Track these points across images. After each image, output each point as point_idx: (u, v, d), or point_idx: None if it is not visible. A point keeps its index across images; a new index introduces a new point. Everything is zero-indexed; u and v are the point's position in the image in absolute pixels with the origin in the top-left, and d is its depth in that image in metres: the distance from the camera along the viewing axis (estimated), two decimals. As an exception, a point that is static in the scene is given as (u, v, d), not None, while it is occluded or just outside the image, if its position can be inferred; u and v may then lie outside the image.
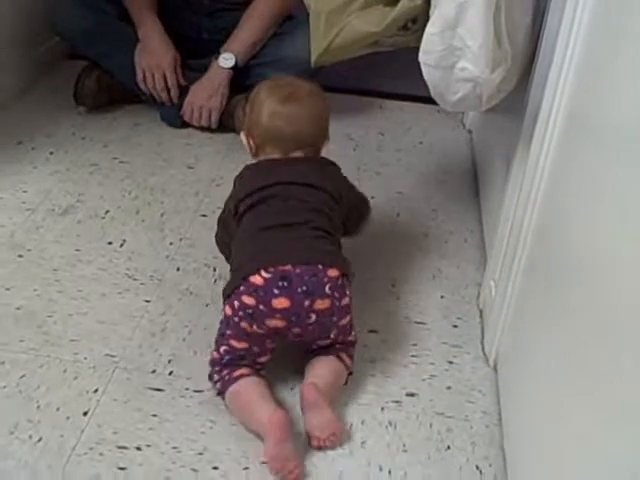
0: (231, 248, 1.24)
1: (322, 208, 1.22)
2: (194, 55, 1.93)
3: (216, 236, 1.34)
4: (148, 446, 1.09)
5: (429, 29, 1.11)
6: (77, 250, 1.45)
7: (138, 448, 1.08)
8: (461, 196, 1.75)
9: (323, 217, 1.21)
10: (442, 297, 1.43)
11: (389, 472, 1.09)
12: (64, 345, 1.24)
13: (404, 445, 1.13)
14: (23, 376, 1.17)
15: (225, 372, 1.15)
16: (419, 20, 1.29)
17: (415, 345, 1.31)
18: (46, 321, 1.28)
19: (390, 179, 1.80)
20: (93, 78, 1.90)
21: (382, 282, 1.45)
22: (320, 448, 1.11)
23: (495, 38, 1.09)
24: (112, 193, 1.64)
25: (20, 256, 1.43)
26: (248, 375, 1.13)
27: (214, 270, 1.44)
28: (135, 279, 1.39)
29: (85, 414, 1.12)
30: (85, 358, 1.22)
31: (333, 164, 1.31)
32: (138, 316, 1.31)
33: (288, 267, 1.11)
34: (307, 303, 1.11)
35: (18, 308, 1.30)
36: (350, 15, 1.32)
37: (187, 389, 1.18)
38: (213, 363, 1.17)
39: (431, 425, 1.17)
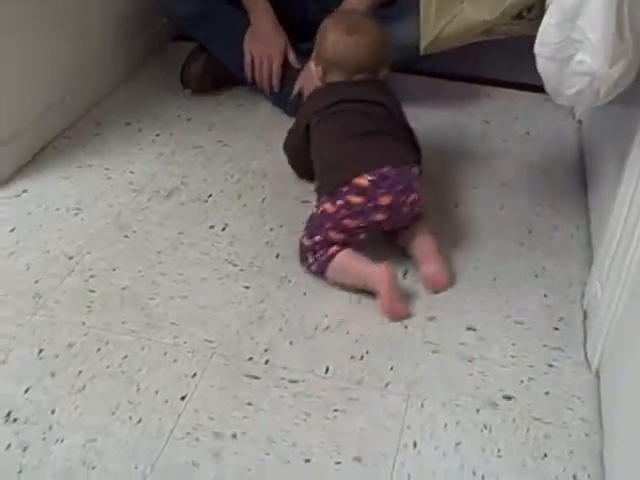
0: (301, 156, 1.51)
1: (386, 118, 1.44)
2: (301, 38, 1.92)
3: (285, 144, 1.60)
4: (243, 434, 1.10)
5: (546, 20, 1.07)
6: (180, 233, 1.48)
7: (233, 436, 1.10)
8: (568, 190, 1.69)
9: (390, 124, 1.44)
10: (545, 296, 1.38)
11: (482, 477, 1.07)
12: (165, 328, 1.27)
13: (499, 450, 1.10)
14: (125, 357, 1.21)
15: (320, 253, 1.35)
16: (535, 8, 1.25)
17: (514, 345, 1.28)
18: (148, 303, 1.31)
19: (494, 169, 1.74)
20: (200, 62, 1.92)
21: (484, 276, 1.42)
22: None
23: (617, 31, 1.03)
24: (215, 176, 1.66)
25: (126, 237, 1.46)
26: (341, 250, 1.35)
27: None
28: (235, 264, 1.41)
29: (183, 398, 1.15)
30: (185, 342, 1.24)
31: (387, 87, 1.52)
32: (237, 302, 1.33)
33: (386, 169, 1.33)
34: (403, 198, 1.34)
35: (123, 288, 1.34)
36: (462, 2, 1.29)
37: (282, 379, 1.19)
38: (305, 249, 1.37)
39: (528, 430, 1.13)
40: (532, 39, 1.15)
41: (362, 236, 1.38)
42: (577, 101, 1.13)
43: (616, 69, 1.05)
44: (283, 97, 1.88)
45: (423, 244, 1.39)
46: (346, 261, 1.34)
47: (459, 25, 1.27)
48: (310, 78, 1.68)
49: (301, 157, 1.53)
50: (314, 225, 1.38)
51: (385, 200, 1.32)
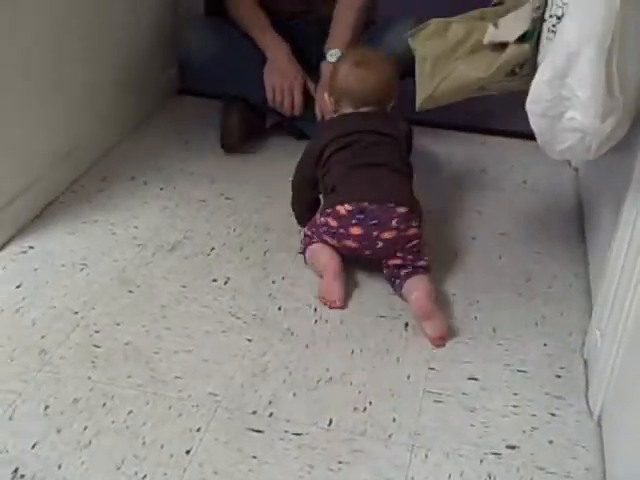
0: (305, 191, 1.64)
1: (393, 150, 1.55)
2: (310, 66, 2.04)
3: (294, 177, 1.66)
4: (248, 488, 1.11)
5: (538, 77, 1.10)
6: (183, 287, 1.50)
7: (238, 490, 1.10)
8: (566, 238, 1.71)
9: (396, 157, 1.55)
10: (545, 345, 1.40)
11: (488, 528, 1.07)
12: (169, 382, 1.28)
13: (504, 500, 1.11)
14: (130, 412, 1.22)
15: (306, 240, 1.55)
16: (527, 65, 1.29)
17: (516, 395, 1.29)
18: (152, 358, 1.33)
19: (492, 219, 1.77)
20: (235, 117, 1.98)
21: (484, 325, 1.43)
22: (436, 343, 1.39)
23: (606, 88, 1.07)
24: (218, 230, 1.69)
25: (130, 291, 1.48)
26: (320, 242, 1.52)
27: (315, 310, 1.45)
28: (238, 317, 1.43)
29: (188, 452, 1.15)
30: (189, 396, 1.25)
31: (393, 118, 1.63)
32: (240, 355, 1.34)
33: (365, 204, 1.46)
34: (375, 233, 1.45)
35: (127, 343, 1.35)
36: (456, 60, 1.33)
37: (286, 431, 1.20)
38: (305, 235, 1.57)
39: (532, 480, 1.14)
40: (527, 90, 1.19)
41: (347, 254, 1.51)
42: (569, 155, 1.16)
43: (607, 125, 1.08)
44: (306, 122, 1.99)
45: (420, 300, 1.40)
46: (318, 249, 1.52)
47: (454, 82, 1.30)
48: (324, 105, 1.80)
49: (305, 192, 1.64)
50: (311, 222, 1.57)
51: (355, 230, 1.46)
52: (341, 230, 1.48)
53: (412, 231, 1.48)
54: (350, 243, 1.48)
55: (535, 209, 1.83)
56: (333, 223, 1.49)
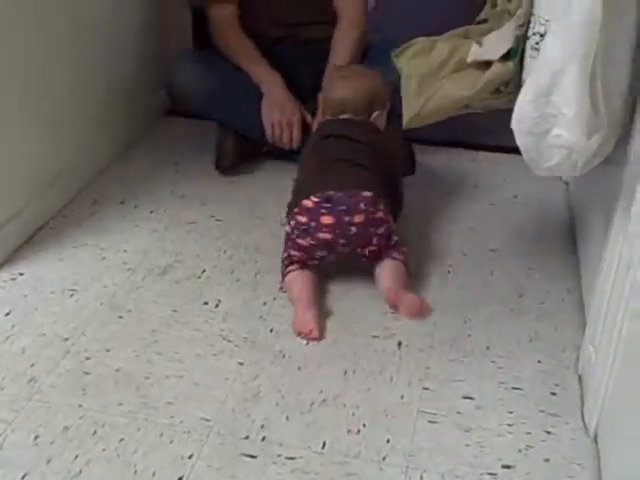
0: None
1: (361, 151, 1.58)
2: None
3: None
4: (240, 515, 1.09)
5: (522, 97, 1.10)
6: (174, 311, 1.49)
7: (231, 517, 1.09)
8: (558, 252, 1.71)
9: (362, 156, 1.57)
10: (539, 361, 1.39)
11: None
12: (160, 408, 1.27)
13: (500, 522, 1.10)
14: (122, 440, 1.21)
15: (283, 267, 1.54)
16: (511, 83, 1.29)
17: (511, 413, 1.28)
18: (143, 383, 1.31)
19: (483, 234, 1.77)
20: (230, 141, 1.98)
21: (476, 344, 1.43)
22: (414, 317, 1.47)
23: (592, 105, 1.07)
24: (208, 252, 1.68)
25: (120, 317, 1.47)
26: (295, 270, 1.51)
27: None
28: (229, 340, 1.42)
29: (180, 480, 1.14)
30: (180, 422, 1.24)
31: (376, 127, 1.69)
32: (231, 379, 1.33)
33: (331, 192, 1.49)
34: (347, 219, 1.47)
35: (117, 370, 1.34)
36: (442, 79, 1.33)
37: (279, 456, 1.18)
38: (282, 261, 1.55)
39: (528, 500, 1.13)
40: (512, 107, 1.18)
41: (320, 255, 1.52)
42: (556, 172, 1.16)
43: (593, 142, 1.08)
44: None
45: (389, 292, 1.49)
46: (290, 280, 1.52)
47: (440, 101, 1.31)
48: None
49: None
50: (285, 240, 1.57)
51: (327, 219, 1.48)
52: (312, 223, 1.49)
53: (379, 214, 1.50)
54: (324, 235, 1.48)
55: (527, 223, 1.83)
56: (303, 219, 1.50)
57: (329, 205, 1.48)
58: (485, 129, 2.13)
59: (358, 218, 1.48)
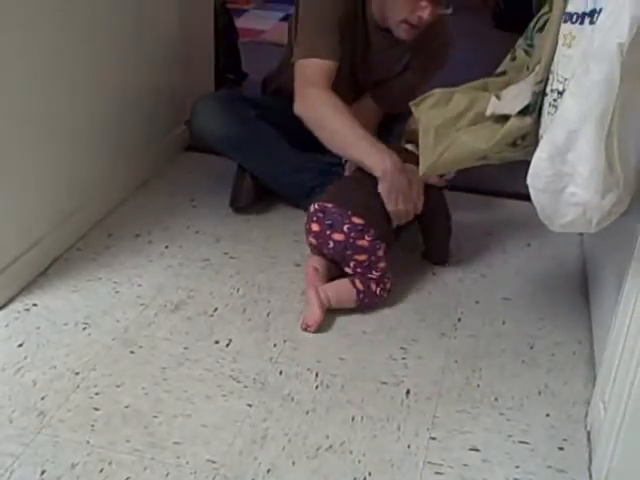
0: None
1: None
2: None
3: None
4: None
5: (538, 154, 1.11)
6: (185, 348, 1.50)
7: None
8: (570, 303, 1.70)
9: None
10: (548, 415, 1.38)
11: None
12: (168, 448, 1.27)
13: None
14: (128, 478, 1.21)
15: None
16: (528, 137, 1.30)
17: (518, 467, 1.27)
18: (152, 421, 1.32)
19: (495, 283, 1.77)
20: (248, 182, 1.98)
21: (485, 395, 1.42)
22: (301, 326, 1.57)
23: (607, 164, 1.08)
24: (221, 290, 1.69)
25: (132, 352, 1.48)
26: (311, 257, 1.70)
27: (316, 375, 1.45)
28: (239, 381, 1.42)
29: (184, 523, 1.14)
30: (187, 462, 1.24)
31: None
32: (240, 421, 1.33)
33: (328, 205, 1.63)
34: (328, 232, 1.61)
35: (127, 406, 1.35)
36: (459, 130, 1.35)
37: (284, 502, 1.18)
38: None
39: None
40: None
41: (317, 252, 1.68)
42: (571, 229, 1.17)
43: (607, 201, 1.08)
44: None
45: (334, 284, 1.62)
46: (305, 277, 1.68)
47: (456, 152, 1.32)
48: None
49: None
50: None
51: (314, 227, 1.64)
52: (307, 226, 1.66)
53: (362, 243, 1.59)
54: (311, 239, 1.65)
55: (539, 273, 1.83)
56: (306, 220, 1.67)
57: (321, 215, 1.63)
58: (501, 176, 2.15)
59: (338, 236, 1.60)
